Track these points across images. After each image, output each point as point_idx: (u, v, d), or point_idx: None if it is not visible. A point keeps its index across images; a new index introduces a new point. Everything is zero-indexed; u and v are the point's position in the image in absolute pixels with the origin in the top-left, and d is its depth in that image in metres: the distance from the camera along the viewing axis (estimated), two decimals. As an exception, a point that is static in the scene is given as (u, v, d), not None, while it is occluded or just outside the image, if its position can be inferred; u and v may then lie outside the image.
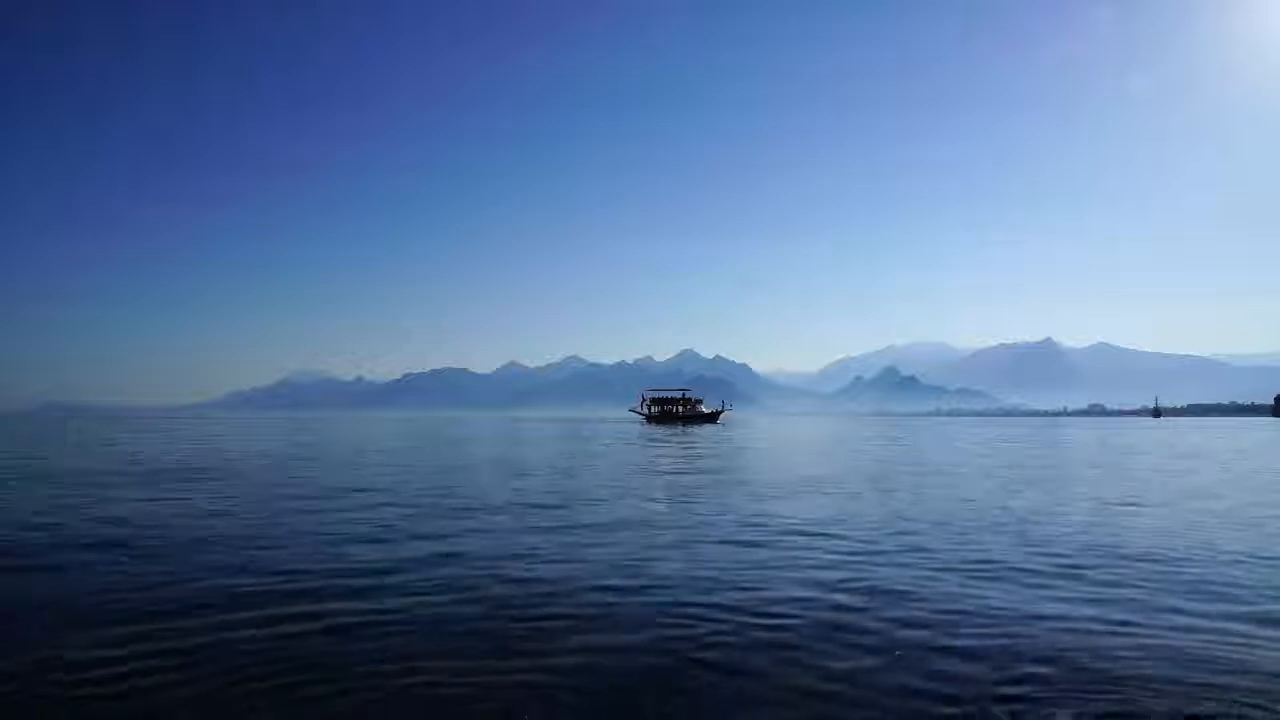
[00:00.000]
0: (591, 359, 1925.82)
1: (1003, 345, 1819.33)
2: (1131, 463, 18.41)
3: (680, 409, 69.14)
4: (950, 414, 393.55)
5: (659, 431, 42.22)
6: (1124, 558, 6.18)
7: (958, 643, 3.95)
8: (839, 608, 4.62)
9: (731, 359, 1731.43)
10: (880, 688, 3.36)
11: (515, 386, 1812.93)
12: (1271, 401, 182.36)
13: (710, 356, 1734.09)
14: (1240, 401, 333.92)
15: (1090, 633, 4.16)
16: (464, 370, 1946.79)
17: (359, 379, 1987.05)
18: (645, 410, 70.29)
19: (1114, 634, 4.14)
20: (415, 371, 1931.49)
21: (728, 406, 77.04)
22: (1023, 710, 3.12)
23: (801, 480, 13.02)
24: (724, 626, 4.23)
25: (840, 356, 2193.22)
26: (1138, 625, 4.30)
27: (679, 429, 48.21)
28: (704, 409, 70.11)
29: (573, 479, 13.23)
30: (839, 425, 67.02)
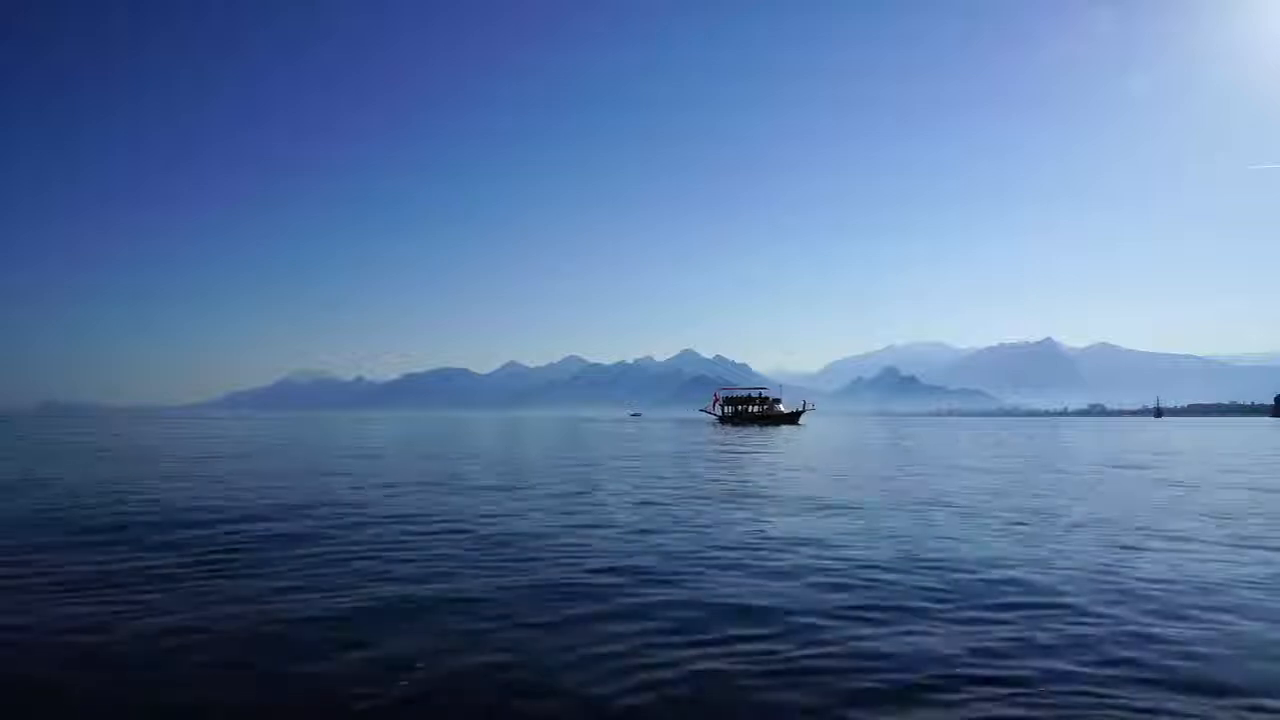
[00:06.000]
0: (591, 359, 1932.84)
1: (1003, 345, 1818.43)
2: None
3: (756, 409, 65.73)
4: (950, 414, 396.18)
5: (738, 435, 36.95)
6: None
7: None
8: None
9: (731, 359, 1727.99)
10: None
11: (515, 386, 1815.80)
12: (1271, 401, 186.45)
13: (710, 356, 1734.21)
14: (1240, 401, 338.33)
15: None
16: (464, 370, 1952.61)
17: (359, 379, 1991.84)
18: (719, 411, 67.65)
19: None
20: (415, 371, 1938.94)
21: (810, 406, 68.58)
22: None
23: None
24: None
25: (840, 356, 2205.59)
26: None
27: (756, 430, 46.04)
28: (782, 408, 66.01)
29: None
30: (887, 428, 61.93)
